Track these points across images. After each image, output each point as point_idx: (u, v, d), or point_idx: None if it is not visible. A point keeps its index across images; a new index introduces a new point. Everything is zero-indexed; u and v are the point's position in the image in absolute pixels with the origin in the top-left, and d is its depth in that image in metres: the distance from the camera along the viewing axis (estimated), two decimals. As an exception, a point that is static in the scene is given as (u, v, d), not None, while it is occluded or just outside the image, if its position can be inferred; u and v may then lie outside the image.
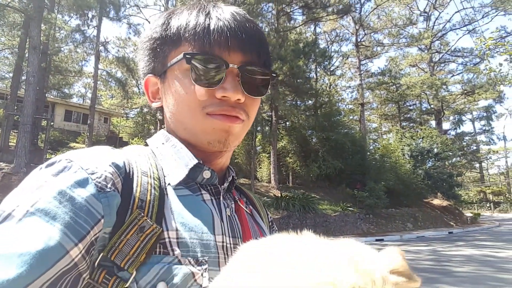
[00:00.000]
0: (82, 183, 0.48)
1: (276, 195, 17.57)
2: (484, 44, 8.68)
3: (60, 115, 26.43)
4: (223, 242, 0.59)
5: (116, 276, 0.48)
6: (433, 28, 36.28)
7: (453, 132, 40.05)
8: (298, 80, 21.56)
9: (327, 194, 20.64)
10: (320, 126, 22.39)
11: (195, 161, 0.63)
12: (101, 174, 0.51)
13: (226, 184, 0.69)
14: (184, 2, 18.14)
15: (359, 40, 33.74)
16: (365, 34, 34.63)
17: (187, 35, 0.61)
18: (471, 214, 28.19)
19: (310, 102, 25.67)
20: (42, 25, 15.02)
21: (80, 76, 26.91)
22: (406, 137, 27.95)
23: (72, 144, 22.39)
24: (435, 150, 26.10)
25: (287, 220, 15.54)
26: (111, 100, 36.02)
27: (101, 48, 21.17)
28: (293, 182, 24.26)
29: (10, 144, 16.31)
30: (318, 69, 29.38)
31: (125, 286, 0.47)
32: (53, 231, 0.43)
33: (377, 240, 15.38)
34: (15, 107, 17.80)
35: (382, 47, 36.68)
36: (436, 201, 26.28)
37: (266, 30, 21.55)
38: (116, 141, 21.44)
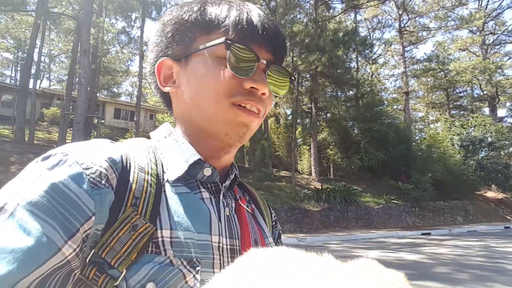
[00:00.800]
0: (76, 178, 0.48)
1: (317, 187, 17.50)
2: None
3: (110, 113, 28.17)
4: (219, 242, 0.58)
5: (106, 273, 0.47)
6: (486, 7, 33.54)
7: (510, 119, 37.02)
8: (338, 71, 21.10)
9: (369, 187, 20.16)
10: (362, 116, 21.81)
11: (196, 157, 0.62)
12: (95, 169, 0.50)
13: (227, 182, 0.67)
14: None
15: (402, 25, 32.15)
16: (409, 19, 32.88)
17: (226, 22, 0.61)
18: (531, 208, 26.08)
19: (351, 92, 25.04)
20: (91, 29, 16.06)
21: (127, 76, 28.40)
22: (455, 126, 26.41)
23: (121, 140, 23.79)
24: (489, 139, 24.41)
25: (328, 213, 15.43)
26: (156, 98, 37.59)
27: (145, 47, 22.17)
28: (334, 174, 23.95)
29: (67, 141, 17.75)
30: (359, 58, 28.50)
31: (115, 284, 0.47)
32: (44, 227, 0.43)
33: (423, 234, 14.81)
34: (70, 107, 19.24)
35: (428, 32, 34.61)
36: (490, 194, 24.62)
37: (304, 20, 21.27)
38: (161, 137, 22.53)
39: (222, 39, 0.59)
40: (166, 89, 0.67)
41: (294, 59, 20.08)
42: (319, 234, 13.48)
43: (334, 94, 25.55)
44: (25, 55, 20.11)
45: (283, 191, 16.55)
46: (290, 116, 24.83)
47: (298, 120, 22.39)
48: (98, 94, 24.91)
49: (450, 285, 6.22)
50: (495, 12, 33.63)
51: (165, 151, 0.64)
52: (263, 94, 0.62)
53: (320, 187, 17.22)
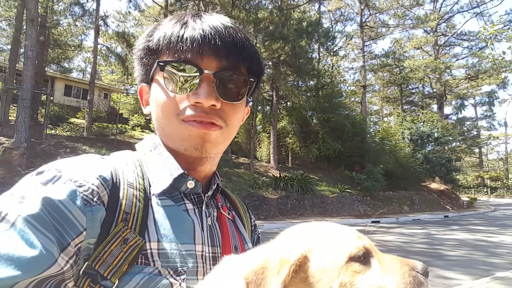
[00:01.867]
0: (70, 196, 0.51)
1: (275, 175, 17.70)
2: (487, 32, 8.49)
3: (60, 90, 26.21)
4: (202, 251, 0.61)
5: (99, 284, 0.50)
6: (440, 10, 35.49)
7: (454, 117, 39.96)
8: (300, 60, 21.28)
9: (325, 176, 20.78)
10: (321, 107, 22.28)
11: (180, 171, 0.64)
12: (88, 187, 0.53)
13: (210, 193, 0.70)
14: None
15: (364, 20, 33.08)
16: (370, 14, 33.90)
17: (163, 44, 0.63)
18: (467, 199, 28.51)
19: (311, 82, 25.44)
20: (40, -4, 14.64)
21: (80, 51, 26.48)
22: (407, 121, 27.91)
23: (72, 120, 22.30)
24: (436, 134, 26.13)
25: (285, 201, 15.71)
26: (111, 76, 35.66)
27: (101, 22, 20.78)
28: (292, 163, 24.38)
29: (10, 118, 16.26)
30: (321, 49, 28.95)
31: None
32: (43, 240, 0.46)
33: (373, 222, 15.60)
34: (14, 81, 17.60)
35: (387, 28, 36.01)
36: (434, 185, 26.52)
37: (270, 7, 21.09)
38: (116, 117, 21.31)
39: (156, 64, 0.64)
40: (145, 111, 0.73)
41: (258, 46, 19.89)
42: (276, 221, 13.69)
43: (295, 83, 25.81)
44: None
45: (241, 178, 16.55)
46: (251, 103, 24.73)
47: (259, 107, 22.37)
48: (46, 69, 23.04)
49: (397, 271, 6.57)
50: (447, 15, 35.70)
51: (151, 165, 0.66)
52: (213, 106, 0.62)
53: (278, 175, 17.44)
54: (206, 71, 0.62)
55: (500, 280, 6.02)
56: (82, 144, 15.30)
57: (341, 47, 36.45)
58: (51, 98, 21.43)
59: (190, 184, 0.65)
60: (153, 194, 0.62)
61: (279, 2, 21.33)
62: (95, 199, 0.53)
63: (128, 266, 0.52)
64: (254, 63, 0.69)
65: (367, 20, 33.75)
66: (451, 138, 27.85)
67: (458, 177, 31.54)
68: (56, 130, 18.64)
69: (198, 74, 0.62)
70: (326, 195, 17.43)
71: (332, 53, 32.12)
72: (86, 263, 0.51)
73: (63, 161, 0.57)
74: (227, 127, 0.66)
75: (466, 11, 35.26)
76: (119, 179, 0.59)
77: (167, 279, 0.54)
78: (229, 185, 14.44)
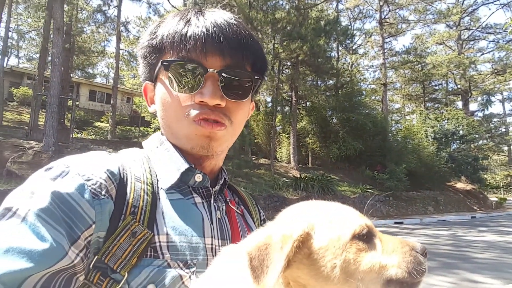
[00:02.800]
0: (79, 189, 0.52)
1: (295, 175, 17.64)
2: None
3: (85, 95, 27.12)
4: (212, 244, 0.62)
5: (109, 277, 0.51)
6: (463, 3, 34.33)
7: (480, 114, 38.53)
8: (319, 60, 21.11)
9: (346, 176, 20.53)
10: (341, 106, 22.03)
11: (187, 165, 0.65)
12: (96, 181, 0.54)
13: (217, 187, 0.71)
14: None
15: (383, 17, 32.43)
16: (389, 11, 33.19)
17: (167, 43, 0.63)
18: (496, 199, 27.43)
19: (331, 82, 25.18)
20: (65, 6, 15.22)
21: (103, 56, 27.33)
22: (430, 119, 27.17)
23: (97, 123, 23.04)
24: (461, 132, 25.31)
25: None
26: (133, 80, 36.52)
27: (122, 28, 21.37)
28: (312, 163, 24.22)
29: (39, 123, 16.97)
30: (340, 48, 28.61)
31: (118, 287, 0.51)
32: (54, 233, 0.47)
33: (396, 223, 15.29)
34: (43, 88, 18.36)
35: (408, 24, 35.13)
36: (460, 185, 25.70)
37: (287, 7, 21.04)
38: (138, 121, 21.86)
39: (160, 64, 0.63)
40: (151, 110, 0.73)
41: (276, 46, 19.89)
42: (297, 222, 13.63)
43: (314, 83, 25.63)
44: (-9, 30, 18.93)
45: (262, 179, 16.59)
46: (270, 103, 24.77)
47: (278, 108, 22.36)
48: (72, 75, 23.88)
49: (422, 273, 6.44)
50: (471, 8, 34.49)
51: (158, 161, 0.66)
52: (217, 105, 0.63)
53: (298, 176, 17.38)
54: (210, 70, 0.62)
55: (532, 284, 5.81)
56: (107, 147, 15.77)
57: (360, 45, 35.90)
58: (77, 103, 22.19)
59: (198, 177, 0.66)
60: (161, 188, 0.62)
61: (296, 2, 21.25)
62: (103, 192, 0.54)
63: (137, 259, 0.53)
64: (258, 60, 0.69)
65: (386, 17, 33.09)
66: (477, 136, 26.93)
67: (485, 176, 30.48)
68: (81, 134, 19.30)
69: (202, 73, 0.62)
70: (347, 196, 17.22)
71: (351, 51, 31.69)
72: (96, 256, 0.52)
73: (71, 157, 0.58)
74: (231, 125, 0.67)
75: (492, 2, 33.90)
76: (126, 173, 0.59)
77: (177, 271, 0.55)
78: (250, 186, 14.50)
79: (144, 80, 0.72)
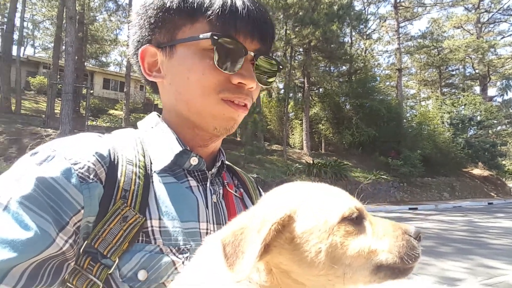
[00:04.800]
0: (65, 173, 0.50)
1: (308, 162, 17.62)
2: None
3: (99, 84, 27.47)
4: (207, 229, 0.61)
5: (100, 263, 0.51)
6: (483, -16, 33.10)
7: (499, 99, 37.42)
8: (332, 45, 20.80)
9: (360, 162, 20.40)
10: (354, 92, 21.76)
11: (182, 147, 0.63)
12: (83, 164, 0.52)
13: (214, 170, 0.69)
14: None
15: (398, 0, 31.55)
16: (406, -7, 32.27)
17: (211, 12, 0.59)
18: (514, 185, 26.91)
19: (344, 68, 24.82)
20: (77, -6, 15.35)
21: (116, 45, 27.51)
22: (446, 104, 26.62)
23: (111, 111, 23.36)
24: (478, 117, 24.77)
25: (318, 187, 15.65)
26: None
27: (134, 16, 21.38)
28: (325, 149, 24.13)
29: (55, 111, 17.32)
30: (353, 33, 28.07)
31: (109, 272, 0.50)
32: (38, 220, 0.46)
33: (410, 208, 15.18)
34: (58, 76, 18.68)
35: (424, 8, 34.15)
36: (477, 171, 25.25)
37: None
38: (151, 108, 22.08)
39: (208, 34, 0.58)
40: (151, 79, 0.67)
41: (288, 32, 19.64)
42: (309, 207, 13.70)
43: (327, 69, 25.30)
44: (5, 19, 19.20)
45: (274, 165, 16.64)
46: (283, 90, 24.62)
47: (291, 94, 22.22)
48: (86, 64, 24.18)
49: (434, 257, 6.43)
50: (492, -11, 33.22)
51: (152, 142, 0.64)
52: (251, 88, 0.62)
53: (311, 162, 17.35)
54: (250, 52, 0.61)
55: (550, 268, 5.72)
56: (121, 135, 16.02)
57: (374, 30, 35.12)
58: (91, 91, 22.55)
59: (194, 160, 0.64)
60: (154, 171, 0.60)
61: (309, -14, 20.83)
62: (91, 176, 0.52)
63: (129, 244, 0.52)
64: (273, 46, 0.69)
65: (402, 0, 32.17)
66: (495, 122, 26.26)
67: (504, 162, 29.75)
68: (96, 122, 19.63)
69: (244, 54, 0.60)
70: (361, 181, 17.15)
71: (365, 37, 31.04)
72: (86, 241, 0.51)
73: (58, 140, 0.56)
74: (248, 108, 0.67)
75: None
76: (117, 156, 0.57)
77: (169, 257, 0.54)
78: (262, 172, 14.57)
79: (143, 42, 0.65)
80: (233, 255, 0.44)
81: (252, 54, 0.61)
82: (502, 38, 35.22)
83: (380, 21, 35.04)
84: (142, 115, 22.22)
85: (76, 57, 16.51)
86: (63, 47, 17.35)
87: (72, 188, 0.49)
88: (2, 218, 0.45)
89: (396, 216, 12.60)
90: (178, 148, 0.63)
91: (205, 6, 0.59)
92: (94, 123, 18.99)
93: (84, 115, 17.61)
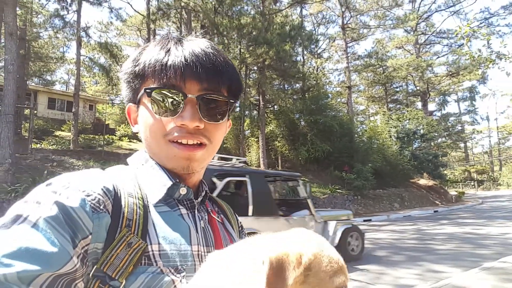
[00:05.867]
0: (81, 203, 0.56)
1: (265, 179, 17.68)
2: (463, 31, 8.78)
3: (43, 103, 25.77)
4: (198, 251, 0.68)
5: (108, 284, 0.56)
6: (418, 9, 36.29)
7: (438, 113, 40.75)
8: (285, 64, 21.44)
9: (316, 177, 20.90)
10: (308, 109, 22.45)
11: (171, 182, 0.70)
12: (95, 196, 0.59)
13: (200, 199, 0.77)
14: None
15: (345, 22, 33.56)
16: (351, 16, 34.42)
17: (149, 71, 0.69)
18: (455, 193, 28.97)
19: (297, 85, 25.62)
20: (17, 9, 14.46)
21: (62, 63, 26.12)
22: (392, 119, 28.32)
23: (57, 133, 21.96)
24: (421, 131, 26.56)
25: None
26: (95, 87, 35.27)
27: (82, 33, 20.55)
28: (282, 166, 24.44)
29: (-8, 134, 15.90)
30: (305, 52, 29.23)
31: None
32: (61, 239, 0.51)
33: (365, 220, 15.73)
34: (-4, 96, 17.27)
35: (369, 29, 36.58)
36: (422, 181, 26.90)
37: (252, 13, 21.23)
38: (102, 129, 21.05)
39: (143, 90, 0.69)
40: (134, 130, 0.78)
41: (242, 51, 19.99)
42: (268, 225, 13.66)
43: (281, 87, 25.98)
44: None
45: (232, 184, 16.48)
46: (238, 108, 24.79)
47: (246, 112, 22.42)
48: (28, 82, 22.68)
49: (387, 267, 6.68)
50: (426, 14, 36.51)
51: (145, 177, 0.72)
52: (196, 127, 0.68)
53: (268, 179, 17.43)
54: (189, 95, 0.67)
55: (488, 270, 6.15)
56: (69, 157, 15.07)
57: (324, 49, 36.93)
58: (35, 112, 21.11)
59: (183, 190, 0.71)
60: (150, 203, 0.67)
61: (261, 8, 21.50)
62: (101, 207, 0.58)
63: (133, 267, 0.58)
64: (233, 84, 0.74)
65: (348, 22, 34.25)
66: (436, 134, 28.38)
67: (445, 172, 32.11)
68: (41, 144, 18.31)
69: (182, 98, 0.67)
70: (317, 197, 17.52)
71: (316, 56, 32.47)
72: (95, 266, 0.56)
73: (69, 175, 0.62)
74: (211, 144, 0.72)
75: (444, 10, 36.12)
76: (119, 189, 0.64)
77: (169, 276, 0.60)
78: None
79: (128, 102, 0.77)
80: (275, 280, 0.46)
81: (193, 96, 0.67)
82: (437, 58, 38.64)
83: (329, 41, 36.95)
84: (92, 136, 21.13)
85: (18, 76, 15.43)
86: (1, 64, 16.18)
87: (85, 216, 0.55)
88: (34, 233, 0.50)
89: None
90: (169, 183, 0.70)
91: (147, 66, 0.69)
92: (38, 145, 17.69)
93: (27, 137, 16.38)
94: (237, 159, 7.13)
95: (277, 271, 0.46)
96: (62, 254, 0.50)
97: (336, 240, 6.83)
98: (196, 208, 0.74)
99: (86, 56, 22.02)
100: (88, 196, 0.58)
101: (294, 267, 0.46)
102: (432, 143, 28.56)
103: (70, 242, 0.52)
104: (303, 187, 7.13)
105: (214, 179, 5.66)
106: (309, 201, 6.94)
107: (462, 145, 55.26)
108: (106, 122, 25.74)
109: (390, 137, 26.21)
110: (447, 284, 5.38)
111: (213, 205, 0.88)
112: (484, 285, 5.20)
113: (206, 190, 0.80)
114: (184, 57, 0.68)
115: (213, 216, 0.80)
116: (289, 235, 0.54)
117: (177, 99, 0.67)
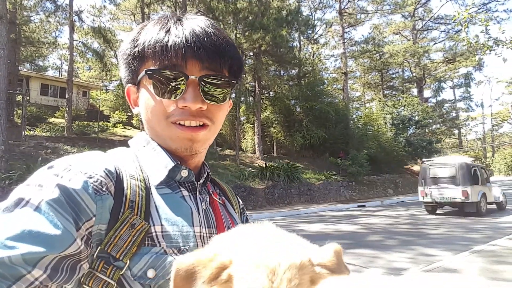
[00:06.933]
0: (83, 185, 0.57)
1: (261, 165, 17.79)
2: (462, 16, 8.73)
3: (36, 90, 25.40)
4: (200, 232, 0.69)
5: (112, 265, 0.57)
6: (416, -6, 35.89)
7: (433, 100, 40.81)
8: (281, 50, 21.26)
9: (311, 163, 21.01)
10: (304, 95, 22.39)
11: (173, 163, 0.71)
12: (97, 178, 0.59)
13: (201, 180, 0.77)
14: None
15: (342, 7, 33.14)
16: (348, 1, 33.95)
17: (149, 52, 0.68)
18: (448, 179, 29.23)
19: (293, 71, 25.46)
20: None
21: (55, 48, 25.71)
22: (388, 106, 28.36)
23: (51, 119, 21.76)
24: (416, 118, 26.66)
25: (272, 190, 15.84)
26: (89, 73, 34.76)
27: (75, 17, 20.12)
28: (277, 152, 24.52)
29: (-15, 120, 15.71)
30: (302, 38, 28.93)
31: (121, 273, 0.57)
32: (64, 222, 0.52)
33: (359, 206, 15.93)
34: (-13, 82, 16.98)
35: (366, 14, 36.19)
36: (416, 168, 27.12)
37: (248, -3, 20.87)
38: (96, 115, 20.86)
39: (143, 72, 0.68)
40: (135, 111, 0.78)
41: (238, 36, 19.75)
42: (264, 211, 13.82)
43: (277, 73, 25.80)
44: None
45: (227, 170, 16.57)
46: (234, 94, 24.65)
47: (242, 99, 22.31)
48: (20, 68, 22.31)
49: (381, 251, 6.81)
50: (424, 0, 36.14)
51: (146, 159, 0.72)
52: (199, 108, 0.68)
53: (264, 165, 17.53)
54: (191, 77, 0.67)
55: (478, 253, 6.32)
56: (63, 144, 14.99)
57: (321, 35, 36.50)
58: (27, 98, 20.82)
59: (184, 173, 0.72)
60: (152, 185, 0.68)
61: (258, -8, 21.13)
62: (103, 189, 0.59)
63: (137, 248, 0.59)
64: (234, 64, 0.74)
65: (346, 7, 33.83)
66: (431, 121, 28.50)
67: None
68: (35, 131, 18.16)
69: (184, 79, 0.66)
70: (312, 183, 17.66)
71: (312, 41, 32.15)
72: (99, 247, 0.57)
73: (70, 157, 0.63)
74: (213, 124, 0.73)
75: (442, -6, 35.75)
76: (121, 172, 0.65)
77: (172, 257, 0.61)
78: (216, 178, 14.44)
79: (127, 83, 0.76)
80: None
81: (195, 77, 0.67)
82: (434, 44, 38.47)
83: (326, 27, 36.49)
84: (86, 122, 20.95)
85: (9, 61, 15.16)
86: (-7, 50, 15.85)
87: (88, 198, 0.56)
88: (36, 216, 0.51)
89: (346, 214, 13.16)
90: (171, 164, 0.70)
91: (147, 47, 0.68)
92: (31, 132, 17.54)
93: (20, 124, 16.22)
94: None
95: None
96: (65, 236, 0.51)
97: None
98: (197, 190, 0.74)
99: (79, 41, 21.66)
100: (90, 178, 0.58)
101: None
102: (426, 130, 28.71)
103: (73, 224, 0.53)
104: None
105: None
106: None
107: (456, 131, 55.60)
108: (100, 109, 25.48)
109: (385, 123, 26.30)
110: (439, 266, 5.51)
111: (215, 187, 0.89)
112: (474, 267, 5.34)
113: (207, 172, 0.81)
114: (185, 37, 0.67)
115: (215, 198, 0.80)
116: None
117: (178, 80, 0.67)
